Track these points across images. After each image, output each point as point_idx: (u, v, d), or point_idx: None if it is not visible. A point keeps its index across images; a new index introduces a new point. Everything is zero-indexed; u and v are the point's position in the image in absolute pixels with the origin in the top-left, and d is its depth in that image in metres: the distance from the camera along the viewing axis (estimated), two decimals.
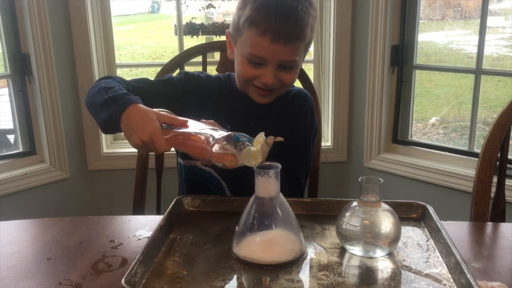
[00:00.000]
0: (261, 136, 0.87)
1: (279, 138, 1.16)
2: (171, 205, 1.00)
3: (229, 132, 0.88)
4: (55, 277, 0.83)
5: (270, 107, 1.16)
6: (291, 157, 1.14)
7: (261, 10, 1.04)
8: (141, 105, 0.95)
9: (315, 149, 1.39)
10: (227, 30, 1.17)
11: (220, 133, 0.89)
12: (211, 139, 0.88)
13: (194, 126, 0.94)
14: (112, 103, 0.97)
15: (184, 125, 0.94)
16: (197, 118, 0.97)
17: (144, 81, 1.16)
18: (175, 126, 0.94)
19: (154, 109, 0.95)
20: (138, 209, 1.37)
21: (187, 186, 1.25)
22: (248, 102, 1.17)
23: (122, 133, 0.96)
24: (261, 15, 1.03)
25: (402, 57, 2.20)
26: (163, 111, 0.97)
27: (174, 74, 1.23)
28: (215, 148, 0.87)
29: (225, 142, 0.86)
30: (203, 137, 0.90)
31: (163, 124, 0.94)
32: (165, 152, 0.96)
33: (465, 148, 2.15)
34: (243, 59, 1.09)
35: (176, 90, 1.16)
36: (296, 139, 1.19)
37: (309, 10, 1.06)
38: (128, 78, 1.16)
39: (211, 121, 0.97)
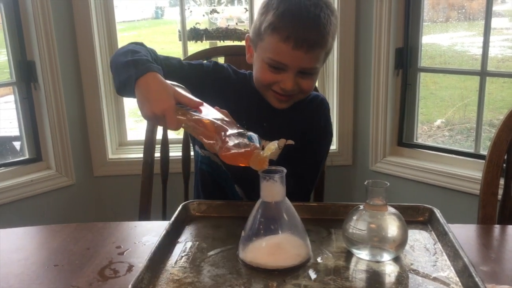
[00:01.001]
0: (273, 145, 0.86)
1: (290, 142, 1.16)
2: (177, 211, 1.00)
3: (242, 130, 0.87)
4: (62, 283, 0.84)
5: (286, 110, 1.17)
6: (298, 158, 1.14)
7: (284, 16, 1.04)
8: (161, 77, 0.95)
9: None
10: (247, 34, 1.18)
11: (233, 129, 0.88)
12: (223, 132, 0.87)
13: (208, 112, 0.93)
14: (133, 66, 0.97)
15: (198, 108, 0.93)
16: (213, 106, 0.97)
17: (175, 58, 1.17)
18: (190, 107, 0.93)
19: (172, 84, 0.94)
20: (144, 214, 1.37)
21: (201, 175, 1.26)
22: (265, 103, 1.17)
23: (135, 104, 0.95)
24: (284, 21, 1.04)
25: (406, 60, 2.20)
26: (178, 86, 0.96)
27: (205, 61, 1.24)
28: (225, 142, 0.86)
29: (236, 140, 0.85)
30: (215, 127, 0.89)
31: (177, 103, 0.92)
32: (174, 131, 0.95)
33: (471, 150, 2.14)
34: (263, 64, 1.10)
35: (202, 76, 1.17)
36: (307, 141, 1.18)
37: (331, 18, 1.07)
38: None
39: (224, 111, 0.96)
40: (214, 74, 1.19)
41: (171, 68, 1.10)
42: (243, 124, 0.95)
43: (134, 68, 0.96)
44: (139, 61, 0.97)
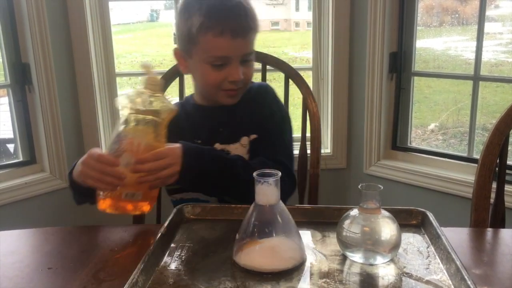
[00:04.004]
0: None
1: (253, 136, 1.18)
2: (171, 214, 1.00)
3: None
4: (56, 286, 0.83)
5: (233, 108, 1.19)
6: (268, 144, 1.17)
7: (211, 13, 1.08)
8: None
9: (314, 155, 1.40)
10: (174, 48, 1.19)
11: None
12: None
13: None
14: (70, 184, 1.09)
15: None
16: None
17: None
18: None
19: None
20: (139, 217, 1.37)
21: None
22: (210, 111, 1.20)
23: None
24: (214, 17, 1.08)
25: (400, 64, 2.21)
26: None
27: None
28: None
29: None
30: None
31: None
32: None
33: (464, 154, 2.16)
34: (206, 66, 1.12)
35: None
36: (268, 128, 1.20)
37: (248, 2, 1.14)
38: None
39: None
40: None
41: None
42: (199, 143, 1.05)
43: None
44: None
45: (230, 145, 1.18)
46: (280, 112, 1.25)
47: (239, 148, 1.18)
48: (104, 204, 0.99)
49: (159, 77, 0.98)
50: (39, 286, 0.84)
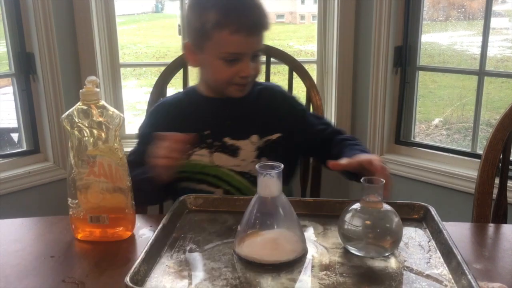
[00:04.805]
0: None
1: (277, 135, 1.22)
2: (174, 204, 1.01)
3: None
4: (58, 275, 0.84)
5: (240, 102, 1.20)
6: (324, 128, 1.27)
7: (228, 10, 1.10)
8: None
9: None
10: (185, 42, 1.19)
11: None
12: None
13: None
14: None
15: None
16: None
17: (130, 154, 1.21)
18: None
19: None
20: (141, 209, 1.37)
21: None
22: (218, 103, 1.21)
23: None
24: (230, 15, 1.09)
25: (405, 58, 2.20)
26: None
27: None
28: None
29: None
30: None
31: None
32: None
33: (468, 150, 2.15)
34: (217, 62, 1.13)
35: (149, 141, 1.10)
36: (307, 120, 1.28)
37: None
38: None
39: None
40: (156, 127, 1.15)
41: (134, 163, 1.07)
42: (206, 134, 1.08)
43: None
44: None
45: (240, 141, 1.19)
46: (304, 108, 1.35)
47: (248, 145, 1.20)
48: (80, 232, 0.96)
49: (96, 88, 0.97)
50: (41, 274, 0.84)
